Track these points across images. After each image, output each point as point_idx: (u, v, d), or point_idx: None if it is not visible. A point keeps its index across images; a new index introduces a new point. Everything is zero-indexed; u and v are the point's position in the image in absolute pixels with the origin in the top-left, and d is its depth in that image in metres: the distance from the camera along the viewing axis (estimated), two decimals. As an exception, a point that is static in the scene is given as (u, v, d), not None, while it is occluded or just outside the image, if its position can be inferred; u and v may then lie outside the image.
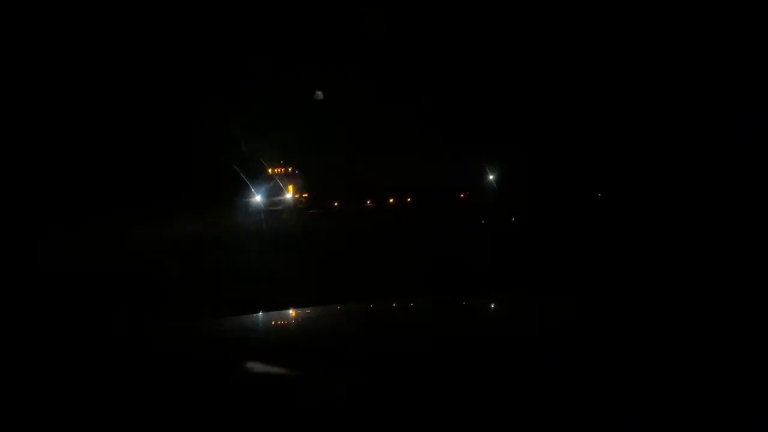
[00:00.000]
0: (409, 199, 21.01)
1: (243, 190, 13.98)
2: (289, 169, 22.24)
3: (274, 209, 16.39)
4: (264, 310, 2.60)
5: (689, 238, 7.47)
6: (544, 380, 1.32)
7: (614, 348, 1.56)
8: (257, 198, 15.63)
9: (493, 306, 2.65)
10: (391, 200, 21.31)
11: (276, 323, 2.47)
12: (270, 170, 21.20)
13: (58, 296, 4.70)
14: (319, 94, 15.93)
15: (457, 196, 20.22)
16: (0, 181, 8.40)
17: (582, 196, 14.54)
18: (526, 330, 1.92)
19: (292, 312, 2.73)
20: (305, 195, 20.88)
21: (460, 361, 1.48)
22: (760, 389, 1.20)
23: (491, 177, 17.97)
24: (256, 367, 1.55)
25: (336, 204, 20.34)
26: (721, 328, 1.70)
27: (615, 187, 14.05)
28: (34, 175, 9.18)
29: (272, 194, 18.58)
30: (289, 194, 20.24)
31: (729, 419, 1.10)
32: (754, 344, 1.52)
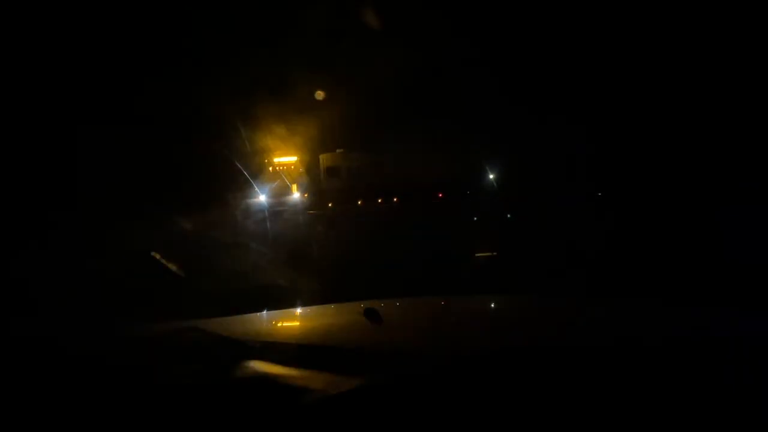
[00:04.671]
0: (395, 199, 21.08)
1: (247, 190, 13.86)
2: (292, 167, 22.14)
3: (279, 210, 16.23)
4: (267, 309, 2.62)
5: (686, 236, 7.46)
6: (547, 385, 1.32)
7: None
8: (261, 198, 15.46)
9: (493, 306, 2.65)
10: (380, 200, 21.36)
11: (278, 322, 2.48)
12: (272, 168, 21.12)
13: (57, 295, 4.70)
14: (320, 94, 15.86)
15: (436, 195, 20.31)
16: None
17: (581, 195, 14.52)
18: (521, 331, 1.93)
19: (293, 311, 2.74)
20: (305, 195, 20.83)
21: (465, 364, 1.48)
22: None
23: (491, 176, 17.96)
24: (258, 366, 1.56)
25: (330, 204, 20.34)
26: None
27: (615, 187, 14.03)
28: (32, 173, 9.16)
29: (277, 194, 18.48)
30: (296, 194, 20.16)
31: None
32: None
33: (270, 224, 12.86)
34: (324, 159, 23.74)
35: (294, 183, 20.55)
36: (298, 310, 2.76)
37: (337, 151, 23.81)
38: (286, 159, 21.75)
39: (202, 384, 1.41)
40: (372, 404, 1.25)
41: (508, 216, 12.97)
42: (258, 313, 2.53)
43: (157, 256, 5.53)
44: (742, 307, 2.08)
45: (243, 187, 13.61)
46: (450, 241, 9.49)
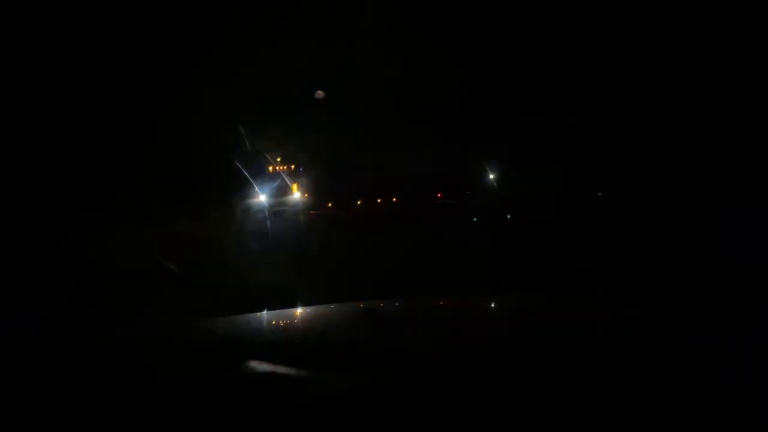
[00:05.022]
0: (394, 199, 21.12)
1: (247, 190, 13.84)
2: (293, 167, 22.09)
3: (280, 210, 16.22)
4: (267, 309, 2.62)
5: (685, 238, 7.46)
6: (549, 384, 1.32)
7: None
8: (262, 198, 15.41)
9: (493, 306, 2.66)
10: (379, 200, 21.40)
11: (278, 322, 2.48)
12: (272, 168, 21.08)
13: (58, 295, 4.71)
14: (320, 93, 15.85)
15: (435, 195, 20.30)
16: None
17: (582, 195, 14.52)
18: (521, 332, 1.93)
19: (293, 311, 2.74)
20: (305, 195, 20.81)
21: (465, 364, 1.48)
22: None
23: (491, 176, 17.95)
24: (258, 366, 1.56)
25: (330, 204, 20.32)
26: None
27: (616, 187, 14.03)
28: (31, 174, 9.16)
29: (278, 194, 18.44)
30: (296, 194, 20.11)
31: None
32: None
33: (270, 224, 12.86)
34: (323, 158, 23.67)
35: (294, 183, 20.53)
36: (298, 310, 2.77)
37: (336, 150, 23.72)
38: (286, 159, 21.71)
39: (202, 383, 1.41)
40: (372, 404, 1.25)
41: (508, 217, 12.96)
42: (258, 313, 2.54)
43: (158, 256, 5.54)
44: (742, 307, 2.09)
45: (243, 187, 13.61)
46: (449, 241, 9.48)
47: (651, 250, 6.86)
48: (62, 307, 4.24)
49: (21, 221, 7.59)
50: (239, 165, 12.94)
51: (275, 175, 20.29)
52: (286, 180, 19.92)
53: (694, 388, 1.27)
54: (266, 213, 14.08)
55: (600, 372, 1.37)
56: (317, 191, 21.61)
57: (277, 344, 1.87)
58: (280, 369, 1.48)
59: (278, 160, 21.22)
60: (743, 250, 5.68)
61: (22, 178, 8.81)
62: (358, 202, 20.94)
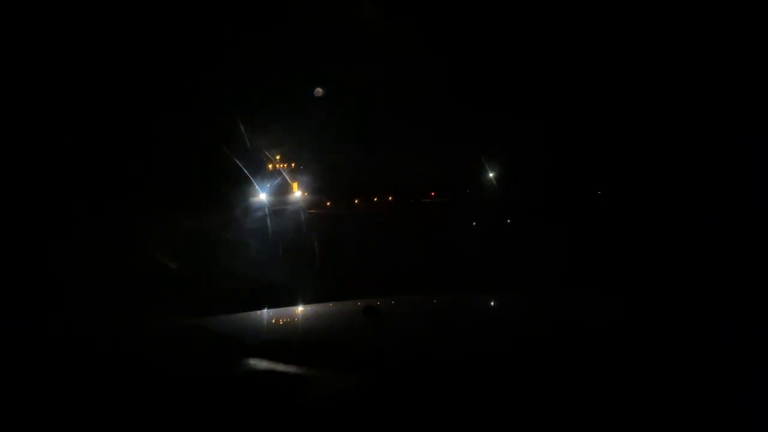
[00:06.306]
0: (390, 198, 21.13)
1: (248, 188, 13.80)
2: (293, 165, 22.03)
3: (281, 209, 16.17)
4: (267, 308, 2.63)
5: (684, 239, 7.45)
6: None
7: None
8: (262, 196, 15.36)
9: (493, 305, 2.67)
10: (375, 199, 21.43)
11: (278, 321, 2.49)
12: (272, 166, 21.03)
13: (57, 294, 4.70)
14: (319, 91, 15.79)
15: (428, 194, 20.23)
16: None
17: (581, 195, 14.49)
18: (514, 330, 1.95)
19: (293, 310, 2.75)
20: (305, 194, 20.77)
21: (466, 361, 1.49)
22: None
23: (491, 175, 17.87)
24: (258, 364, 1.57)
25: (328, 204, 20.30)
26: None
27: (616, 186, 14.00)
28: (30, 173, 9.14)
29: (278, 192, 18.39)
30: (297, 192, 20.07)
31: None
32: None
33: (271, 223, 12.83)
34: (323, 157, 23.61)
35: (295, 181, 20.48)
36: (298, 309, 2.78)
37: (336, 149, 23.65)
38: (287, 157, 21.66)
39: (203, 381, 1.43)
40: (371, 402, 1.26)
41: (508, 221, 12.91)
42: (258, 311, 2.55)
43: (159, 255, 5.54)
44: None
45: (244, 185, 13.58)
46: (447, 239, 9.44)
47: (650, 251, 6.85)
48: (62, 306, 4.25)
49: (20, 219, 7.58)
50: (240, 163, 12.91)
51: (276, 173, 20.24)
52: (287, 178, 19.86)
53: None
54: (266, 212, 14.06)
55: (597, 368, 1.38)
56: (317, 190, 21.58)
57: (277, 343, 1.88)
58: (280, 368, 1.49)
59: (278, 158, 21.15)
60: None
61: (21, 177, 8.80)
62: (356, 201, 20.92)
